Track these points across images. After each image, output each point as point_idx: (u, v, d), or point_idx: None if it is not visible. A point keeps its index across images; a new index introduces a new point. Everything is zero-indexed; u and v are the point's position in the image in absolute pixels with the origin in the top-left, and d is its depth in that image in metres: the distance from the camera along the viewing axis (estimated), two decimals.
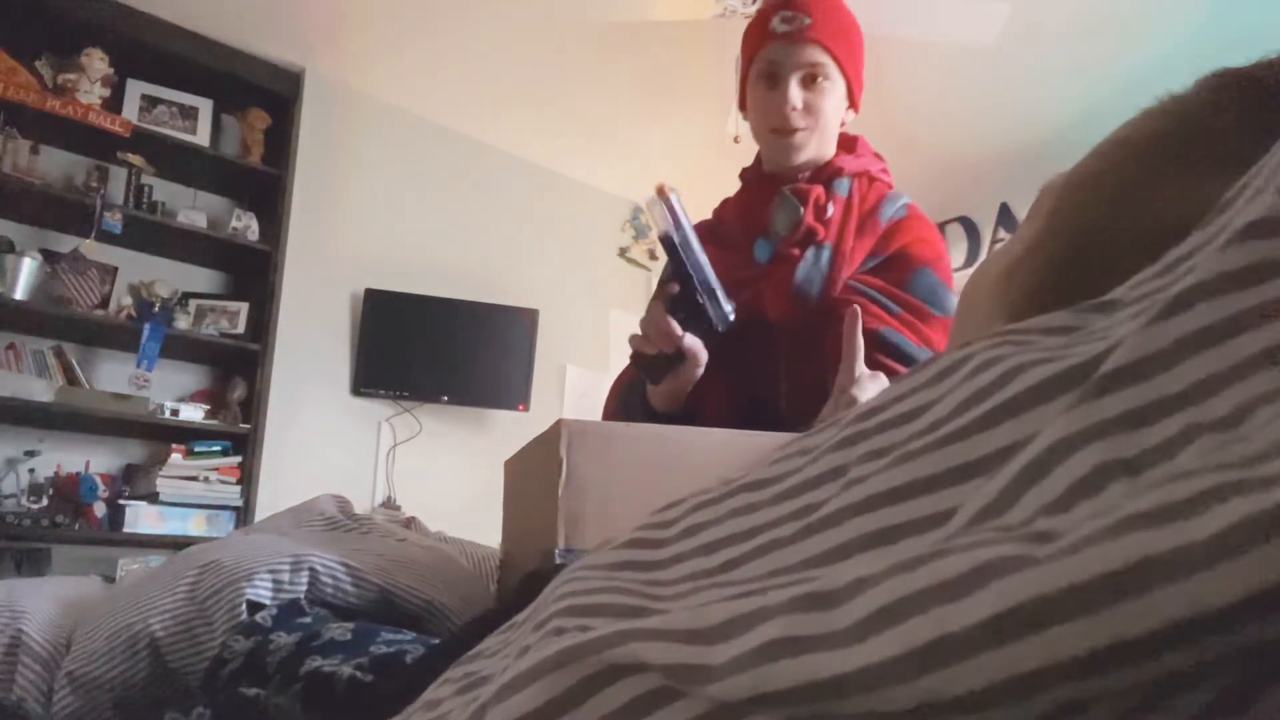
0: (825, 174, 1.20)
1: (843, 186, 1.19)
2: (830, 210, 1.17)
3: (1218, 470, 0.15)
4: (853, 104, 1.25)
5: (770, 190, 1.21)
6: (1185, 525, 0.15)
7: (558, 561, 0.79)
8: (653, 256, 4.40)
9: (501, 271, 3.76)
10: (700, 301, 0.97)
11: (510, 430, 3.50)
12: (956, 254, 4.31)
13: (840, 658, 0.17)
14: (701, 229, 1.04)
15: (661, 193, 0.92)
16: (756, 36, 1.21)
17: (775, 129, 1.18)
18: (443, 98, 3.55)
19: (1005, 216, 4.10)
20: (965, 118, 3.64)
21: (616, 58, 3.26)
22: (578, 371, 3.94)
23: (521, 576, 0.83)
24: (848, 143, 1.26)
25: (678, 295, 0.96)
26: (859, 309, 0.96)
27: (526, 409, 3.52)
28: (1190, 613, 0.14)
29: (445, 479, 3.40)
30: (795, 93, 1.16)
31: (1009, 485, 0.20)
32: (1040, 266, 0.40)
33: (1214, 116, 0.36)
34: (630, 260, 4.33)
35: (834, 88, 1.19)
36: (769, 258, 1.17)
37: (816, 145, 1.20)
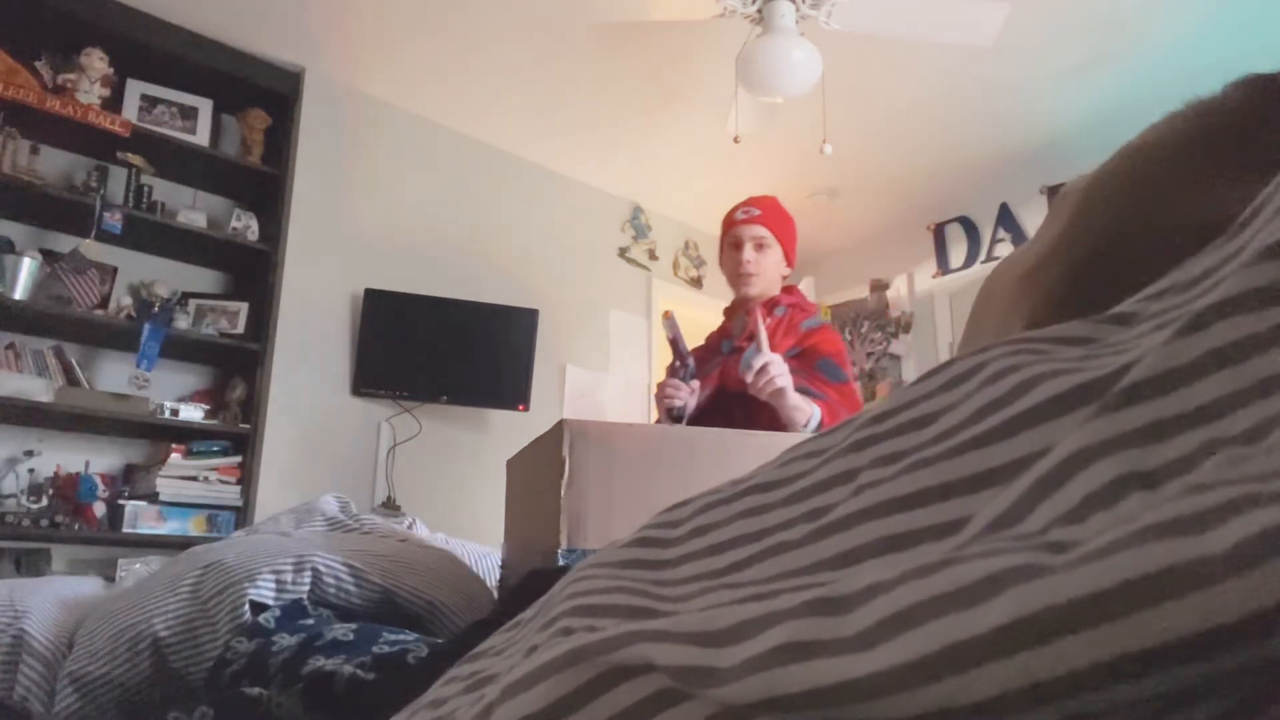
0: (770, 304, 1.94)
1: (780, 310, 1.92)
2: (767, 322, 1.86)
3: (1236, 483, 0.15)
4: (789, 263, 2.00)
5: (734, 314, 2.01)
6: (1203, 537, 0.15)
7: (560, 562, 0.79)
8: (653, 256, 4.41)
9: (501, 271, 3.76)
10: (685, 376, 1.80)
11: (510, 430, 3.50)
12: (956, 254, 4.31)
13: (850, 663, 0.17)
14: (701, 347, 1.97)
15: (668, 315, 1.76)
16: (729, 221, 2.00)
17: (738, 274, 1.95)
18: (443, 98, 3.55)
19: (1005, 216, 4.10)
20: (965, 118, 3.64)
21: (616, 58, 3.26)
22: (578, 371, 3.94)
23: (524, 574, 0.83)
24: (788, 289, 2.01)
25: (677, 371, 1.80)
26: (760, 311, 1.80)
27: (526, 409, 3.51)
28: (1207, 624, 0.14)
29: (445, 479, 3.40)
30: (749, 253, 1.93)
31: (1024, 495, 0.20)
32: (1063, 268, 0.39)
33: (1242, 120, 0.36)
34: (630, 260, 4.33)
35: (773, 251, 1.95)
36: (729, 350, 1.91)
37: (762, 285, 1.94)
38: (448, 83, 3.45)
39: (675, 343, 1.77)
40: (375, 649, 0.66)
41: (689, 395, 1.77)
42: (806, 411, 1.67)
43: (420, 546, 1.05)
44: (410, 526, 1.78)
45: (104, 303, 2.91)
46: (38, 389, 2.65)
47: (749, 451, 0.96)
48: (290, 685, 0.63)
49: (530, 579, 0.78)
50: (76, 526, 2.68)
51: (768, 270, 1.94)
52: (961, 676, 0.16)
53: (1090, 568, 0.15)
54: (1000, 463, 0.21)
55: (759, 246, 1.93)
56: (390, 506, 3.21)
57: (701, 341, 2.05)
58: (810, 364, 1.78)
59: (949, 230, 4.36)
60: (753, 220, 1.94)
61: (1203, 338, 0.19)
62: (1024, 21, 2.96)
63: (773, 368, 1.61)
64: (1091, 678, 0.15)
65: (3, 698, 0.80)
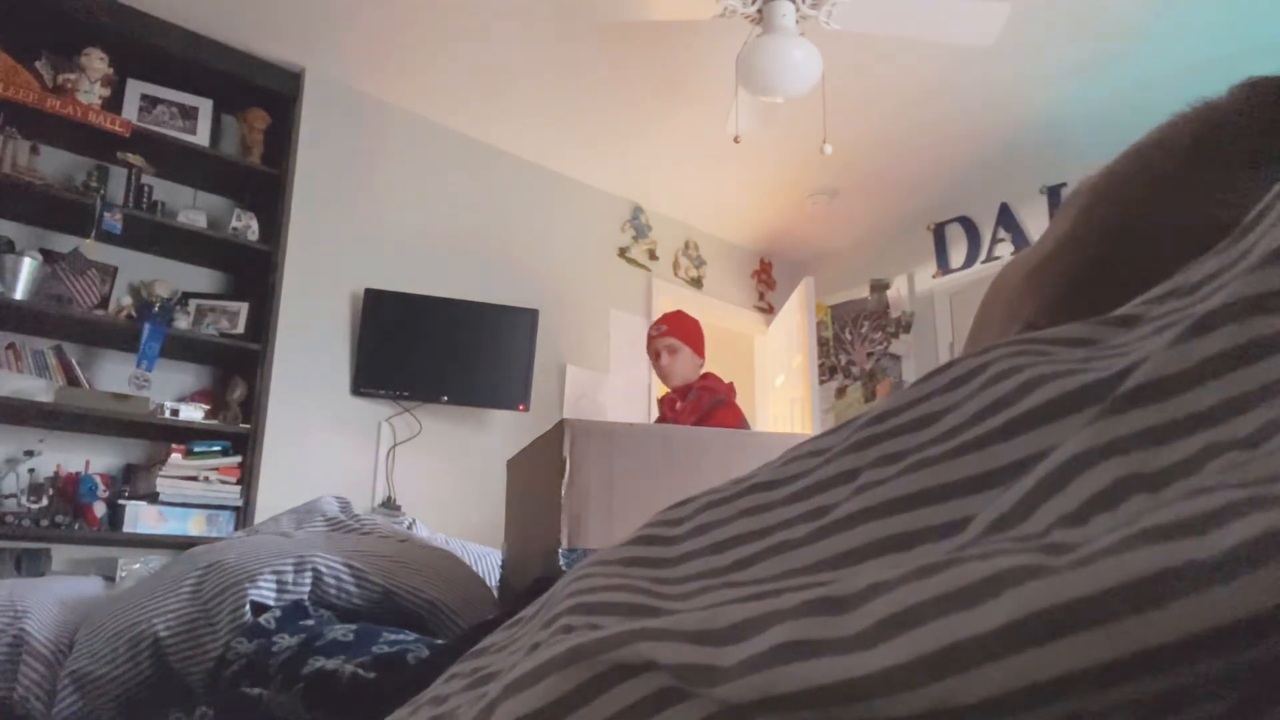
0: (684, 390, 2.83)
1: (691, 395, 2.77)
2: (678, 405, 2.82)
3: (1237, 486, 0.15)
4: (700, 356, 2.90)
5: (667, 400, 2.95)
6: (1203, 539, 0.15)
7: (561, 562, 0.79)
8: (653, 256, 4.41)
9: (501, 271, 3.76)
10: None
11: (510, 430, 3.50)
12: (956, 254, 4.31)
13: (850, 663, 0.17)
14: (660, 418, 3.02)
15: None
16: (649, 337, 2.96)
17: (659, 376, 2.88)
18: (443, 97, 3.55)
19: (1005, 216, 4.10)
20: (966, 117, 3.64)
21: (616, 57, 3.26)
22: (578, 371, 3.94)
23: (530, 581, 0.83)
24: (704, 375, 2.85)
25: None
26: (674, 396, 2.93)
27: (526, 409, 3.51)
28: (1206, 626, 0.14)
29: (445, 479, 3.40)
30: (665, 359, 2.87)
31: (1026, 496, 0.20)
32: (1068, 267, 0.40)
33: (1248, 122, 0.37)
34: (630, 260, 4.33)
35: (682, 353, 2.85)
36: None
37: (677, 380, 2.85)
38: (448, 83, 3.45)
39: None
40: (375, 649, 0.66)
41: None
42: None
43: (421, 546, 1.05)
44: (410, 527, 1.78)
45: (104, 303, 2.91)
46: (38, 389, 2.65)
47: (750, 451, 0.96)
48: (290, 685, 0.63)
49: (536, 585, 0.78)
50: (76, 526, 2.68)
51: (680, 368, 2.83)
52: (961, 676, 0.16)
53: (1091, 569, 0.15)
54: (1002, 464, 0.21)
55: (671, 352, 2.83)
56: (390, 506, 3.21)
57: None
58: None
59: (949, 230, 4.36)
60: (662, 335, 2.86)
61: (1206, 342, 0.19)
62: (1024, 21, 2.96)
63: None
64: (1091, 678, 0.15)
65: (3, 697, 0.80)
